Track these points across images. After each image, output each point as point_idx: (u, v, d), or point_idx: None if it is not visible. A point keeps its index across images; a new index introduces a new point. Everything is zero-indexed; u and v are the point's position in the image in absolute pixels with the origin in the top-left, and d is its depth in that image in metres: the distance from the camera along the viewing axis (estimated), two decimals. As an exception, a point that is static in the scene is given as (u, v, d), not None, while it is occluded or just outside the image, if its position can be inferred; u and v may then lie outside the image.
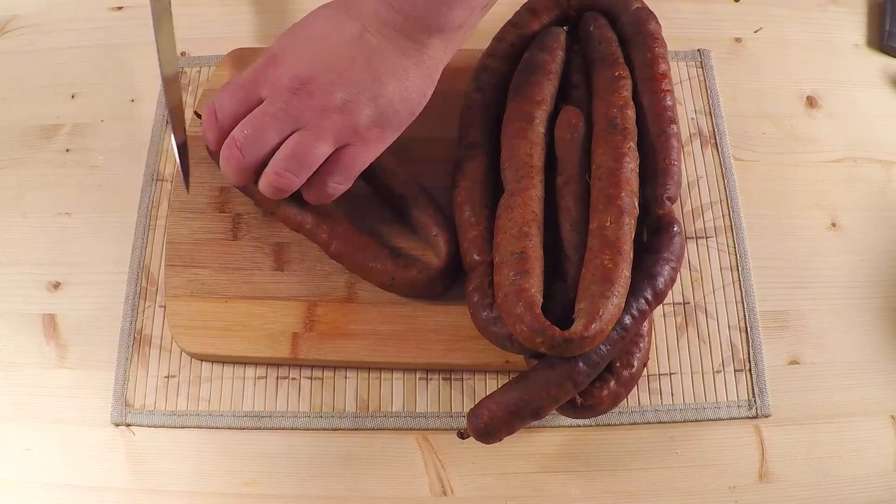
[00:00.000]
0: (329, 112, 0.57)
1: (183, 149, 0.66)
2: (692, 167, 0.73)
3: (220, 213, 0.69)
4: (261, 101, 0.58)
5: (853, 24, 0.81)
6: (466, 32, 0.61)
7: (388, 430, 0.63)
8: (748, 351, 0.65)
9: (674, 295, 0.67)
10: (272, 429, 0.63)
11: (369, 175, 0.66)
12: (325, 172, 0.59)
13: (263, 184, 0.60)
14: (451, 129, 0.70)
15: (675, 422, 0.63)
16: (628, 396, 0.61)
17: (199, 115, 0.71)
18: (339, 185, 0.60)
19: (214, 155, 0.63)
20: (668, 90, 0.66)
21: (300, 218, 0.65)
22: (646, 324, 0.60)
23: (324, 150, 0.58)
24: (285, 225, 0.67)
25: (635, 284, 0.58)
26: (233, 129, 0.59)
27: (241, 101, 0.59)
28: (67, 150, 0.75)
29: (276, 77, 0.58)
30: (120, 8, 0.83)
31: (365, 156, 0.60)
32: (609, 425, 0.63)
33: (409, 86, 0.59)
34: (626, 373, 0.59)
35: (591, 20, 0.70)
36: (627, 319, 0.57)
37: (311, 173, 0.59)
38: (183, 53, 0.79)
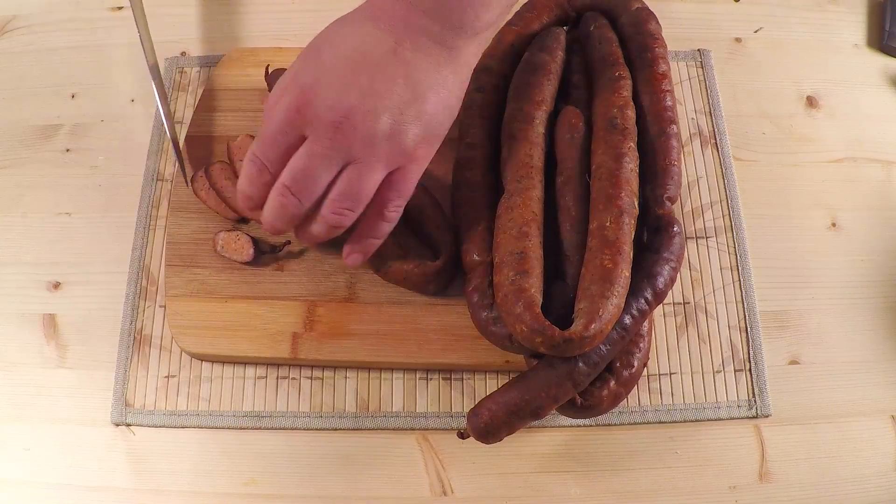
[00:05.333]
0: (377, 141, 0.54)
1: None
2: (692, 167, 0.73)
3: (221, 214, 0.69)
4: (303, 140, 0.56)
5: (853, 24, 0.81)
6: (494, 31, 0.60)
7: (388, 430, 0.63)
8: (748, 351, 0.65)
9: (674, 295, 0.67)
10: (272, 429, 0.63)
11: None
12: (381, 201, 0.57)
13: (319, 225, 0.58)
14: (451, 129, 0.70)
15: (675, 422, 0.63)
16: (628, 396, 0.61)
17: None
18: (397, 209, 0.59)
19: (255, 209, 0.59)
20: (668, 90, 0.66)
21: None
22: (646, 324, 0.60)
23: (377, 178, 0.56)
24: None
25: (635, 284, 0.58)
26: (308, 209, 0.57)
27: (286, 147, 0.56)
28: (67, 150, 0.75)
29: (315, 114, 0.54)
30: (120, 8, 0.83)
31: (416, 174, 0.58)
32: (609, 425, 0.63)
33: (449, 95, 0.57)
34: (626, 373, 0.59)
35: (591, 20, 0.70)
36: (627, 319, 0.57)
37: (365, 204, 0.57)
38: (183, 53, 0.79)
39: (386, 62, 0.55)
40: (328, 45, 0.57)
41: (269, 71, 0.72)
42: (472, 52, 0.58)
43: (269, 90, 0.72)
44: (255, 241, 0.66)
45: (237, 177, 0.68)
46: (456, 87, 0.58)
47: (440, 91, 0.56)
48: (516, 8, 0.71)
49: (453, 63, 0.57)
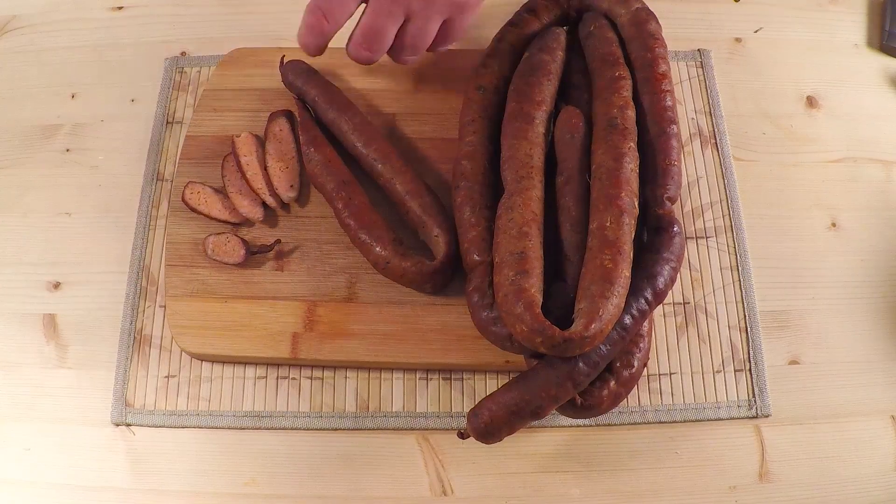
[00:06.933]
0: None
1: None
2: (692, 167, 0.73)
3: (220, 213, 0.69)
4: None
5: (853, 24, 0.81)
6: None
7: (388, 430, 0.63)
8: (748, 351, 0.65)
9: (674, 295, 0.67)
10: (272, 429, 0.63)
11: (378, 174, 0.67)
12: (434, 43, 0.68)
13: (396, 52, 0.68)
14: (451, 130, 0.70)
15: (675, 422, 0.63)
16: (628, 396, 0.61)
17: None
18: (445, 48, 0.70)
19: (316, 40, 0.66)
20: (668, 90, 0.66)
21: (324, 180, 0.66)
22: (646, 324, 0.60)
23: (434, 28, 0.67)
24: (312, 182, 0.69)
25: (635, 284, 0.58)
26: (337, 30, 0.66)
27: (349, 5, 0.65)
28: (67, 150, 0.75)
29: None
30: (120, 8, 0.83)
31: (466, 21, 0.69)
32: (609, 425, 0.63)
33: None
34: (626, 373, 0.59)
35: (591, 20, 0.70)
36: (627, 319, 0.57)
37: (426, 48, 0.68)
38: (183, 53, 0.79)
39: None
40: None
41: (284, 61, 0.72)
42: None
43: (283, 80, 0.72)
44: (245, 243, 0.66)
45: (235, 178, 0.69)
46: None
47: None
48: (510, 11, 0.72)
49: None
